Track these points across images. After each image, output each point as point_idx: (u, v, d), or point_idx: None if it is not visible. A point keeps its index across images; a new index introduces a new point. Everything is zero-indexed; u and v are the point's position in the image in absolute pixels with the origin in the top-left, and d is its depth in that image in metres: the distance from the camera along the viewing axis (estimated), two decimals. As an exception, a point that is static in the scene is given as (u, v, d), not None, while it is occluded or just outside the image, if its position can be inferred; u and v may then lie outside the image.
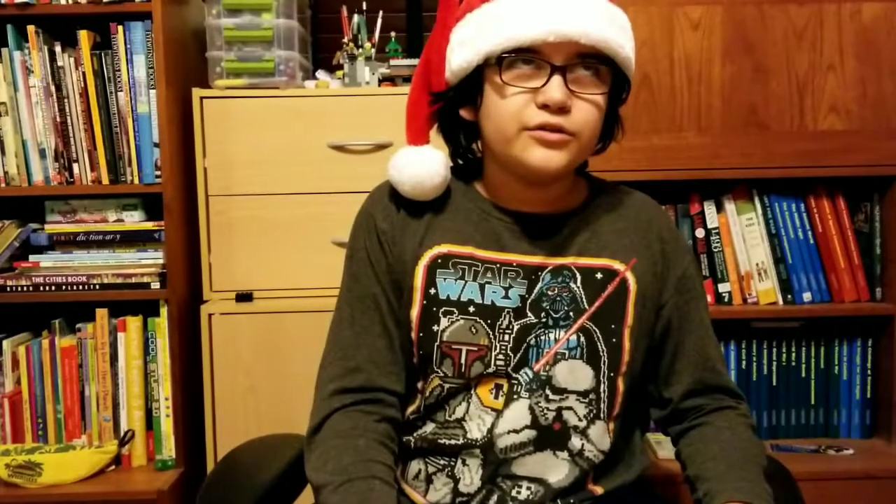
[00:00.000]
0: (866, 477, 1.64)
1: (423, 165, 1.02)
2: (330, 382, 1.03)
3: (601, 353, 1.01)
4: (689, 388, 1.07)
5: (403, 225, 1.04)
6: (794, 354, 1.79)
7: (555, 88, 0.92)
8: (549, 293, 1.01)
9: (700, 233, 1.76)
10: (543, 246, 1.03)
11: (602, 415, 1.03)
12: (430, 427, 1.04)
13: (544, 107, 0.93)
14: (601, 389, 1.02)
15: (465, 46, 0.97)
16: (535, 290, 1.01)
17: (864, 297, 1.75)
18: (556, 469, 1.02)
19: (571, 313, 1.01)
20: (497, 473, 1.01)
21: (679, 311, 1.07)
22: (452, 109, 1.03)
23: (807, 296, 1.75)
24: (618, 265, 1.03)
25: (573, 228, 1.04)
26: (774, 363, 1.79)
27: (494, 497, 1.01)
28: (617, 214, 1.07)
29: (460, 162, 1.09)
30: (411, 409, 1.06)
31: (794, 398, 1.80)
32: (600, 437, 1.03)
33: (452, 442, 1.02)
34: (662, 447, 1.70)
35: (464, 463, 1.02)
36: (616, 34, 0.95)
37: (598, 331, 1.01)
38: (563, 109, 0.93)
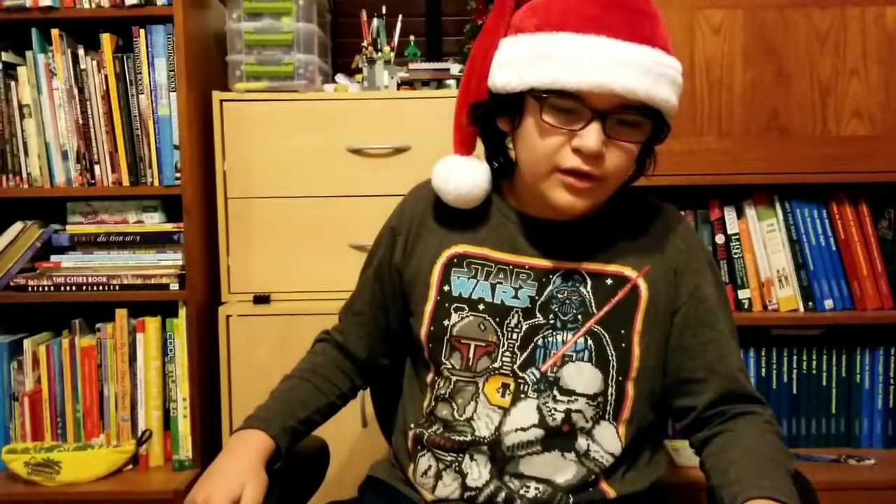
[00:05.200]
0: (888, 487, 1.61)
1: (467, 179, 1.05)
2: (325, 329, 1.25)
3: (610, 358, 1.03)
4: (712, 397, 1.05)
5: (422, 226, 1.11)
6: (814, 362, 1.77)
7: (592, 136, 0.93)
8: (559, 296, 1.04)
9: (720, 239, 1.74)
10: (557, 250, 1.06)
11: (607, 416, 1.04)
12: (439, 426, 1.07)
13: (578, 151, 0.94)
14: (609, 392, 1.03)
15: (511, 68, 0.97)
16: (545, 293, 1.04)
17: (888, 304, 1.72)
18: (563, 470, 1.04)
19: (580, 316, 1.03)
20: (504, 471, 1.03)
21: (697, 319, 1.06)
22: (490, 117, 1.05)
23: (828, 303, 1.73)
24: (629, 272, 1.05)
25: (588, 234, 1.06)
26: (795, 371, 1.77)
27: (502, 495, 1.03)
28: (635, 222, 1.09)
29: (494, 164, 1.11)
30: (424, 403, 1.11)
31: (815, 406, 1.77)
32: (607, 438, 1.04)
33: (461, 438, 1.05)
34: (680, 454, 1.69)
35: (471, 458, 1.05)
36: (663, 90, 0.94)
37: (606, 335, 1.03)
38: (596, 157, 0.94)
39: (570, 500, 1.03)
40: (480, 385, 1.05)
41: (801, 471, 1.12)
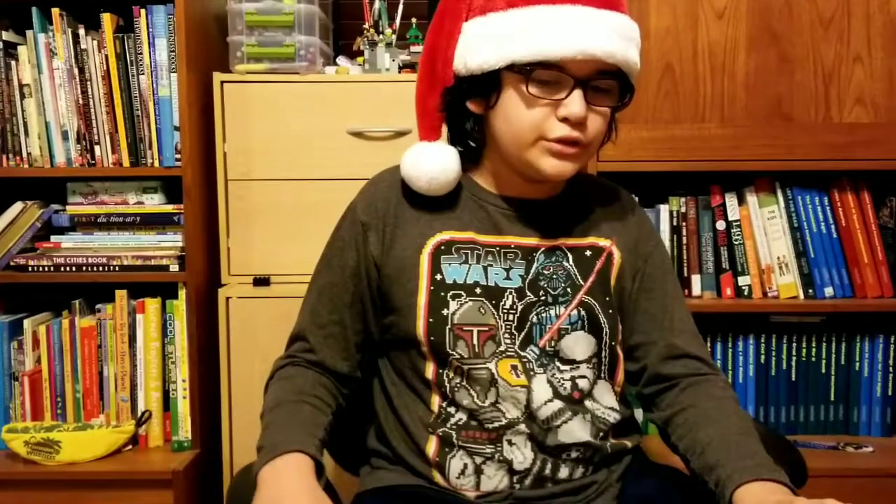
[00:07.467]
0: (886, 475, 1.62)
1: (439, 163, 1.06)
2: (286, 350, 1.14)
3: (603, 325, 1.07)
4: (661, 353, 1.09)
5: (398, 217, 1.09)
6: (814, 350, 1.77)
7: (576, 103, 0.97)
8: (545, 272, 1.07)
9: (721, 225, 1.74)
10: (536, 228, 1.09)
11: (604, 375, 1.09)
12: (462, 416, 1.05)
13: (564, 119, 0.98)
14: (602, 355, 1.08)
15: (487, 46, 1.00)
16: (532, 270, 1.07)
17: (888, 293, 1.72)
18: (589, 431, 1.06)
19: (569, 289, 1.07)
20: (546, 444, 1.04)
21: (646, 279, 1.12)
22: (460, 100, 1.06)
23: (828, 290, 1.73)
24: (603, 241, 1.10)
25: (560, 212, 1.11)
26: (794, 358, 1.77)
27: (549, 466, 1.05)
28: (597, 199, 1.15)
29: (459, 149, 1.10)
30: (431, 401, 1.07)
31: (814, 394, 1.78)
32: (605, 394, 1.09)
33: (496, 425, 1.04)
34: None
35: (510, 443, 1.04)
36: (633, 53, 1.01)
37: (597, 304, 1.07)
38: (581, 123, 0.99)
39: (609, 452, 1.07)
40: (493, 370, 1.03)
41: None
